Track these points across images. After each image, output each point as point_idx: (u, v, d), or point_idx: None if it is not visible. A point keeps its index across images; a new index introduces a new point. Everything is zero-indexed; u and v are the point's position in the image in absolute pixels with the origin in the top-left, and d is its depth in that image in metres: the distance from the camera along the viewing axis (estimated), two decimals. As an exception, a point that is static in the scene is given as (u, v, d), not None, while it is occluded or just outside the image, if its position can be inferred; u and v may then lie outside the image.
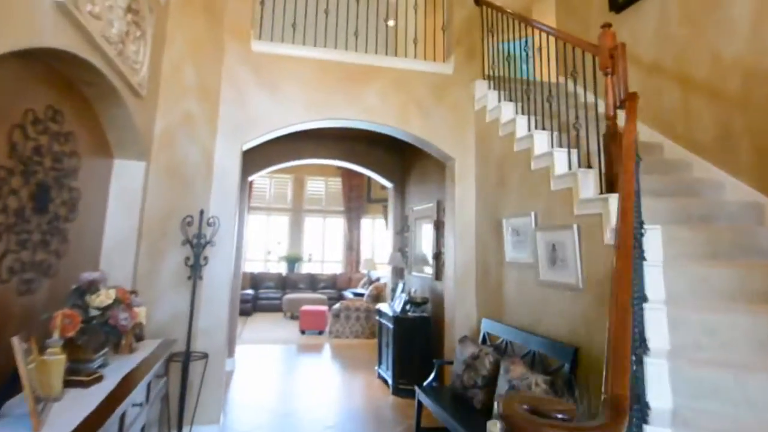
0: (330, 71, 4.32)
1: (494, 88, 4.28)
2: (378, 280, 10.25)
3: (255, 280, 10.87)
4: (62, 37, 1.99)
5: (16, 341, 1.64)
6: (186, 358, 3.61)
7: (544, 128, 3.52)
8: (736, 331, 2.05)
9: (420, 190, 6.21)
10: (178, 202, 3.77)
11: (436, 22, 5.20)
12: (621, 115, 2.69)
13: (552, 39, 3.60)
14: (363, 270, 11.62)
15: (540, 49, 3.66)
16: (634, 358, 1.69)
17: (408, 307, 5.31)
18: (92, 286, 2.22)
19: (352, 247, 12.24)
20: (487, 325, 4.00)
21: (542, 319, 3.28)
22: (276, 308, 10.51)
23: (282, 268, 11.79)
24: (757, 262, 2.50)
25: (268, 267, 11.86)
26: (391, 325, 5.20)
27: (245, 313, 9.66)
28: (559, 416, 1.09)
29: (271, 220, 12.13)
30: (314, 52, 4.29)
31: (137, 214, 3.50)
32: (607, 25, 2.77)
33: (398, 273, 6.78)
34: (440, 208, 5.36)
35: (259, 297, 10.52)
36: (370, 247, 12.39)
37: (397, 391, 4.95)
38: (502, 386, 2.96)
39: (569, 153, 3.11)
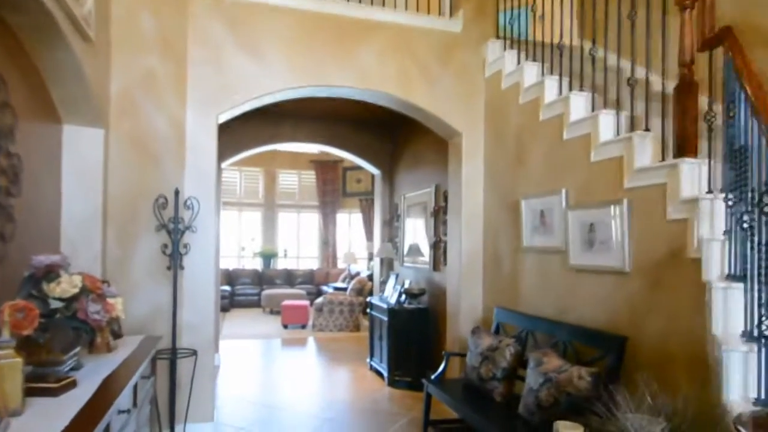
0: (319, 26, 3.74)
1: (512, 48, 3.82)
2: (358, 274, 9.95)
3: (231, 277, 10.75)
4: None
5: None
6: (173, 355, 3.16)
7: (582, 88, 3.09)
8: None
9: (413, 175, 5.84)
10: (148, 181, 3.26)
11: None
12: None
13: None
14: (343, 264, 11.27)
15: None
16: None
17: (403, 298, 5.02)
18: (50, 273, 1.74)
19: (328, 242, 11.81)
20: (501, 315, 3.68)
21: (571, 308, 2.98)
22: (254, 304, 10.38)
23: (257, 264, 11.56)
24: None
25: (242, 263, 11.57)
26: (385, 318, 5.02)
27: (223, 309, 9.46)
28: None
29: (243, 216, 11.64)
30: (300, 1, 3.67)
31: (100, 193, 2.98)
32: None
33: (387, 265, 6.40)
34: (440, 192, 5.02)
35: (236, 293, 10.46)
36: (347, 242, 11.99)
37: (393, 383, 4.85)
38: (534, 380, 2.63)
39: (617, 116, 2.73)
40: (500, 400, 3.04)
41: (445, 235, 4.74)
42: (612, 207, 2.61)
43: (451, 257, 4.34)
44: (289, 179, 11.98)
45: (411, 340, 4.83)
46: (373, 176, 11.49)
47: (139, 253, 3.22)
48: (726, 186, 2.07)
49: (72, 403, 1.58)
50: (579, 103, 3.00)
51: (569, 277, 3.02)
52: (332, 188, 11.71)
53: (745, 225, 1.92)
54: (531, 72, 3.52)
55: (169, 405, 3.19)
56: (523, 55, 3.72)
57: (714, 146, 2.18)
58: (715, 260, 2.04)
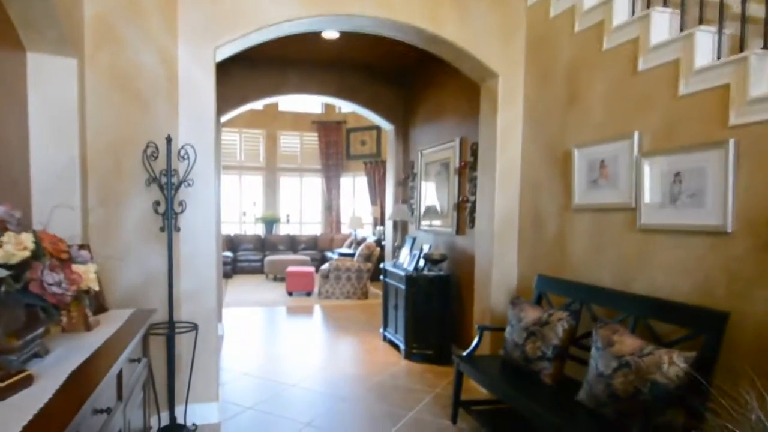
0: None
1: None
2: (365, 239, 9.54)
3: (233, 242, 10.39)
4: None
5: None
6: (170, 330, 2.73)
7: (665, 4, 2.51)
8: None
9: (432, 129, 5.28)
10: (134, 126, 2.73)
11: None
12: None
13: None
14: (349, 229, 10.82)
15: None
16: None
17: (422, 264, 4.59)
18: (-10, 230, 1.25)
19: (331, 207, 11.33)
20: (543, 284, 3.24)
21: (640, 276, 2.51)
22: (256, 270, 10.08)
23: (259, 230, 11.19)
24: None
25: (244, 229, 11.19)
26: (402, 286, 4.60)
27: (225, 275, 9.19)
28: None
29: (243, 181, 11.13)
30: None
31: (76, 138, 2.45)
32: None
33: (402, 228, 5.93)
34: (466, 146, 4.49)
35: (238, 259, 10.10)
36: (351, 207, 11.51)
37: (410, 356, 4.50)
38: (603, 363, 2.19)
39: (719, 34, 2.16)
40: (550, 382, 2.65)
41: (473, 194, 4.26)
42: (710, 151, 2.09)
43: (481, 219, 3.86)
44: (290, 142, 11.40)
45: (430, 310, 4.43)
46: (378, 137, 11.05)
47: (126, 212, 2.73)
48: None
49: (21, 409, 1.13)
50: (662, 23, 2.42)
51: (638, 240, 2.54)
52: (335, 151, 11.14)
53: None
54: (593, -10, 2.91)
55: (168, 386, 2.77)
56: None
57: None
58: None
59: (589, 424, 2.15)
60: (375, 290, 8.33)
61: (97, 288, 1.55)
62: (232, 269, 9.61)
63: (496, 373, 2.88)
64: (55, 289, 1.24)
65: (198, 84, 2.93)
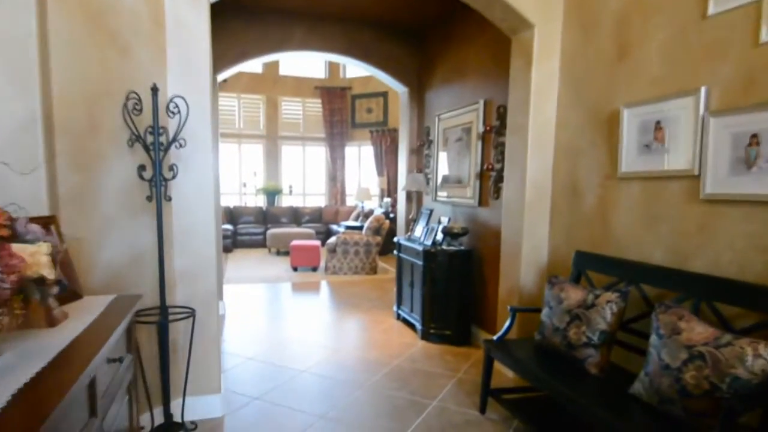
0: None
1: None
2: (372, 212, 9.14)
3: (233, 215, 9.93)
4: None
5: None
6: (163, 317, 2.35)
7: None
8: None
9: (453, 90, 4.78)
10: (112, 73, 2.27)
11: None
12: None
13: None
14: (355, 201, 10.38)
15: None
16: None
17: (441, 238, 4.19)
18: None
19: (336, 178, 10.87)
20: (583, 261, 2.84)
21: (701, 252, 2.14)
22: (258, 244, 9.68)
23: (261, 202, 10.75)
24: None
25: (244, 201, 10.74)
26: (419, 261, 4.24)
27: (225, 249, 8.79)
28: None
29: (243, 149, 10.62)
30: None
31: (37, 86, 2.00)
32: None
33: (417, 200, 5.51)
34: (491, 109, 4.01)
35: (238, 233, 9.66)
36: (356, 178, 11.05)
37: (427, 336, 4.20)
38: (669, 354, 1.82)
39: None
40: (596, 372, 2.32)
41: (498, 162, 3.82)
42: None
43: (509, 189, 3.44)
44: (292, 108, 10.84)
45: (449, 287, 4.07)
46: (386, 104, 10.46)
47: (105, 178, 2.30)
48: None
49: None
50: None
51: (700, 212, 2.15)
52: (340, 118, 10.60)
53: None
54: None
55: (161, 380, 2.41)
56: None
57: None
58: None
59: (650, 423, 1.82)
60: (384, 265, 7.98)
61: (51, 276, 1.15)
62: (232, 243, 9.21)
63: (534, 361, 2.53)
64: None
65: (189, 25, 2.46)
